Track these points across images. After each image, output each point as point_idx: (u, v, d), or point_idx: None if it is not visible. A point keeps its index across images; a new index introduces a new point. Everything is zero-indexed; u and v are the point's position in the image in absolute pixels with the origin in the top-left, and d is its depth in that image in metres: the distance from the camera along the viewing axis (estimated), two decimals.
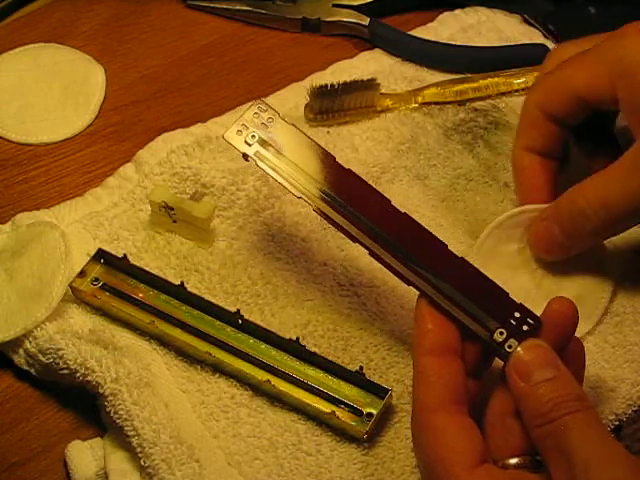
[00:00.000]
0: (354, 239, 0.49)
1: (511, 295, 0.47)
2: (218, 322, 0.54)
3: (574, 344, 0.47)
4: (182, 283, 0.54)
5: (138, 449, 0.49)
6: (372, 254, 0.49)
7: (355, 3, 0.70)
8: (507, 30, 0.69)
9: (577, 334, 0.46)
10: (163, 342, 0.53)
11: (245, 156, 0.51)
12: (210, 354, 0.52)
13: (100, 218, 0.58)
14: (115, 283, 0.55)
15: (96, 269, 0.55)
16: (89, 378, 0.52)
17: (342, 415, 0.50)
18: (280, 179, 0.50)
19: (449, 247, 0.48)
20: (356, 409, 0.51)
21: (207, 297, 0.54)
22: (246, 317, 0.53)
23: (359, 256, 0.57)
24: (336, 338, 0.54)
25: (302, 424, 0.51)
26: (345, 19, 0.70)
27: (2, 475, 0.52)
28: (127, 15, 0.71)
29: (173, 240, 0.57)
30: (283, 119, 0.51)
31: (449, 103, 0.63)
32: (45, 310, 0.53)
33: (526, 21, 0.70)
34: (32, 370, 0.54)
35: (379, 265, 0.56)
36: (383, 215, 0.49)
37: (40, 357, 0.53)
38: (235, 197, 0.58)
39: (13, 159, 0.64)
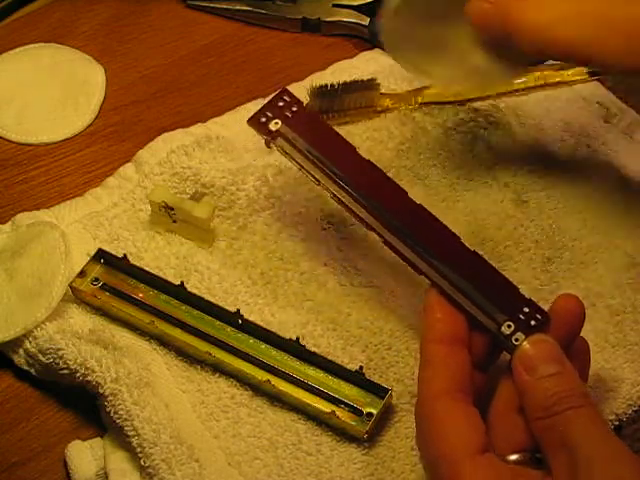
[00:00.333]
0: (369, 227, 0.50)
1: (521, 290, 0.47)
2: (218, 322, 0.54)
3: (580, 343, 0.47)
4: (182, 283, 0.54)
5: (138, 449, 0.49)
6: (386, 243, 0.50)
7: (355, 3, 0.70)
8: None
9: None
10: (163, 342, 0.53)
11: (267, 142, 0.52)
12: (210, 354, 0.52)
13: (100, 218, 0.58)
14: (115, 283, 0.55)
15: (96, 269, 0.55)
16: (89, 378, 0.52)
17: (342, 415, 0.50)
18: (301, 166, 0.52)
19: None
20: (356, 409, 0.51)
21: (207, 297, 0.54)
22: (246, 317, 0.53)
23: (359, 256, 0.57)
24: (336, 338, 0.54)
25: (302, 424, 0.51)
26: (345, 19, 0.70)
27: (2, 475, 0.52)
28: (127, 15, 0.71)
29: (173, 240, 0.57)
30: (306, 108, 0.52)
31: (449, 103, 0.63)
32: (45, 310, 0.53)
33: None
34: (32, 370, 0.54)
35: (379, 265, 0.56)
36: (399, 205, 0.50)
37: (40, 357, 0.53)
38: (235, 197, 0.58)
39: (13, 159, 0.64)
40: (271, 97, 0.54)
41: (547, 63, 0.66)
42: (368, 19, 0.69)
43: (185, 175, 0.58)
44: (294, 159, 0.52)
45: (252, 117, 0.53)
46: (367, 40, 0.69)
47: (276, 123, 0.53)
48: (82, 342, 0.52)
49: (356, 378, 0.51)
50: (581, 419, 0.42)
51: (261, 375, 0.52)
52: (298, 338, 0.52)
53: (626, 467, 0.41)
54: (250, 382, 0.52)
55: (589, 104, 0.65)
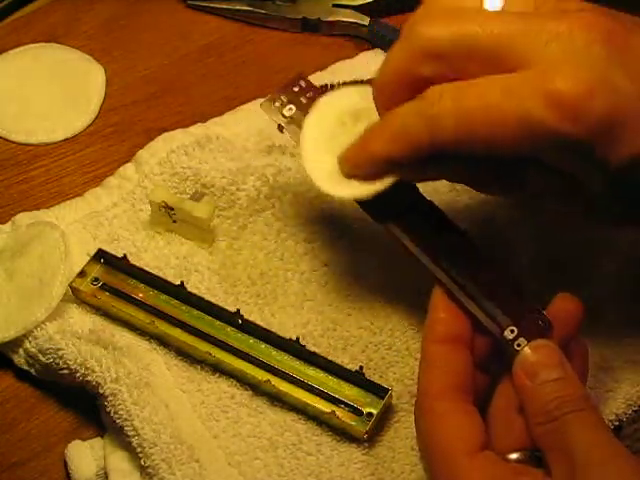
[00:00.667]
0: (378, 223, 0.50)
1: (525, 295, 0.47)
2: (218, 322, 0.54)
3: (579, 344, 0.47)
4: (182, 283, 0.54)
5: (138, 449, 0.50)
6: (393, 239, 0.49)
7: (355, 3, 0.70)
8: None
9: None
10: (163, 342, 0.53)
11: (280, 127, 0.52)
12: (210, 354, 0.52)
13: (100, 218, 0.58)
14: (115, 283, 0.55)
15: (96, 269, 0.55)
16: (89, 378, 0.52)
17: (342, 415, 0.50)
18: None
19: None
20: (356, 409, 0.51)
21: (207, 297, 0.54)
22: (246, 317, 0.53)
23: (359, 256, 0.57)
24: (336, 338, 0.54)
25: (302, 424, 0.51)
26: (345, 19, 0.70)
27: (2, 475, 0.52)
28: (127, 15, 0.71)
29: (173, 240, 0.57)
30: (322, 97, 0.51)
31: None
32: (45, 310, 0.53)
33: None
34: (32, 370, 0.54)
35: (379, 265, 0.56)
36: (407, 201, 0.49)
37: (40, 357, 0.53)
38: (235, 197, 0.58)
39: (13, 159, 0.64)
40: (287, 81, 0.53)
41: None
42: (368, 19, 0.69)
43: (185, 175, 0.58)
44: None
45: (265, 101, 0.53)
46: (367, 40, 0.69)
47: (290, 109, 0.52)
48: (82, 342, 0.52)
49: (356, 378, 0.51)
50: (581, 422, 0.42)
51: (261, 375, 0.52)
52: (298, 338, 0.52)
53: (625, 469, 0.41)
54: (250, 382, 0.52)
55: None
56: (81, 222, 0.58)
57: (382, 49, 0.68)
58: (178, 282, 0.54)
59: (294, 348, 0.52)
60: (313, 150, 0.48)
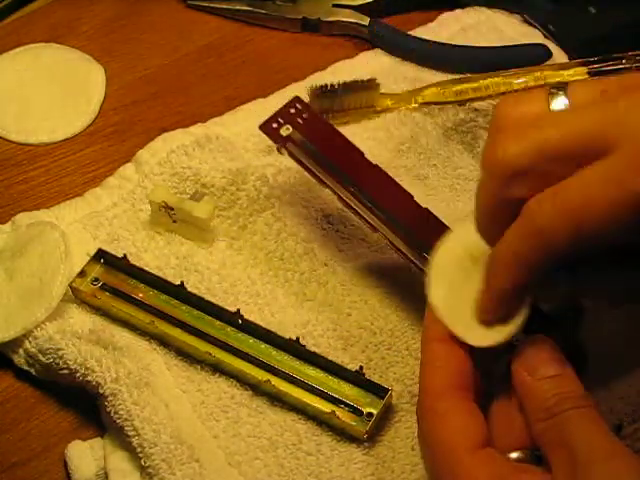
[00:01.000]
0: (375, 230, 0.51)
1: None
2: (218, 322, 0.54)
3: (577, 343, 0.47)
4: (182, 283, 0.54)
5: (138, 449, 0.49)
6: (393, 246, 0.51)
7: (355, 3, 0.70)
8: (507, 30, 0.70)
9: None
10: (163, 342, 0.53)
11: (279, 148, 0.54)
12: (210, 354, 0.52)
13: (100, 218, 0.58)
14: (115, 283, 0.55)
15: (96, 269, 0.55)
16: (89, 378, 0.52)
17: (342, 415, 0.50)
18: (311, 170, 0.53)
19: None
20: (356, 409, 0.51)
21: (207, 297, 0.54)
22: (246, 317, 0.53)
23: (359, 256, 0.57)
24: (336, 338, 0.54)
25: (302, 424, 0.51)
26: (345, 19, 0.70)
27: (2, 475, 0.52)
28: (127, 15, 0.71)
29: (173, 240, 0.57)
30: (317, 115, 0.54)
31: (449, 103, 0.63)
32: (45, 310, 0.53)
33: (526, 21, 0.70)
34: (32, 370, 0.54)
35: (379, 265, 0.56)
36: (405, 209, 0.51)
37: (40, 357, 0.53)
38: (235, 197, 0.58)
39: (13, 159, 0.64)
40: (284, 104, 0.55)
41: (547, 63, 0.67)
42: (368, 19, 0.69)
43: (185, 175, 0.58)
44: (305, 164, 0.54)
45: (264, 123, 0.55)
46: (367, 40, 0.69)
47: (287, 129, 0.54)
48: (82, 342, 0.52)
49: (356, 378, 0.51)
50: (581, 419, 0.42)
51: (261, 375, 0.52)
52: (298, 338, 0.52)
53: (625, 467, 0.41)
54: (250, 382, 0.52)
55: None
56: (81, 222, 0.58)
57: (382, 49, 0.68)
58: (178, 282, 0.54)
59: (294, 348, 0.52)
60: (444, 300, 0.46)
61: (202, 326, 0.53)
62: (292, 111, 0.55)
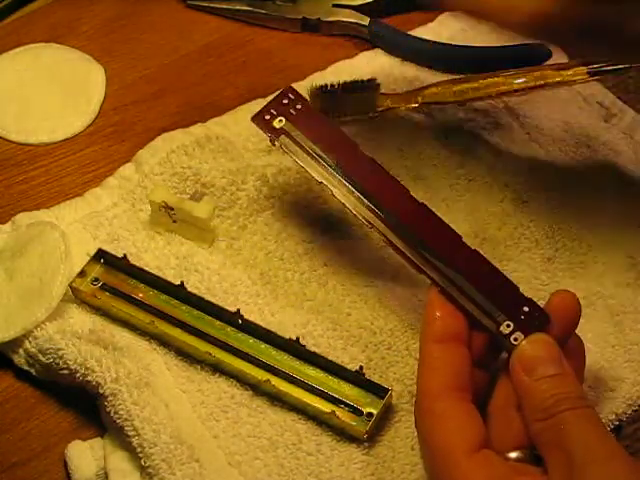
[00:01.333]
0: (371, 226, 0.50)
1: (521, 290, 0.47)
2: (218, 322, 0.54)
3: (575, 341, 0.47)
4: (182, 283, 0.54)
5: (138, 449, 0.49)
6: (387, 241, 0.50)
7: (355, 3, 0.70)
8: (507, 30, 0.69)
9: None
10: (163, 342, 0.53)
11: (272, 140, 0.53)
12: (210, 354, 0.52)
13: (100, 218, 0.58)
14: (115, 283, 0.55)
15: (96, 269, 0.55)
16: (89, 378, 0.52)
17: (342, 415, 0.50)
18: (303, 164, 0.52)
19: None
20: (356, 409, 0.51)
21: (207, 297, 0.54)
22: (246, 317, 0.53)
23: (359, 256, 0.57)
24: (336, 338, 0.54)
25: (302, 424, 0.51)
26: (345, 19, 0.70)
27: (2, 475, 0.52)
28: (127, 15, 0.71)
29: (173, 240, 0.57)
30: (311, 107, 0.53)
31: (449, 103, 0.63)
32: (45, 310, 0.53)
33: None
34: (32, 370, 0.54)
35: (379, 265, 0.56)
36: (401, 204, 0.50)
37: (40, 357, 0.53)
38: (235, 197, 0.58)
39: (13, 159, 0.64)
40: (276, 95, 0.54)
41: (547, 63, 0.67)
42: (368, 19, 0.69)
43: (185, 175, 0.58)
44: (297, 157, 0.52)
45: (256, 114, 0.54)
46: (367, 40, 0.69)
47: (280, 121, 0.53)
48: (82, 342, 0.52)
49: (356, 378, 0.51)
50: (578, 420, 0.42)
51: (261, 375, 0.52)
52: (298, 338, 0.52)
53: (621, 469, 0.41)
54: (250, 382, 0.52)
55: (589, 104, 0.65)
56: (81, 222, 0.58)
57: (382, 49, 0.68)
58: (178, 282, 0.54)
59: (294, 348, 0.52)
60: None
61: (202, 326, 0.53)
62: (285, 102, 0.54)
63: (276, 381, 0.51)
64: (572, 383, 0.44)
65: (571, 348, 0.46)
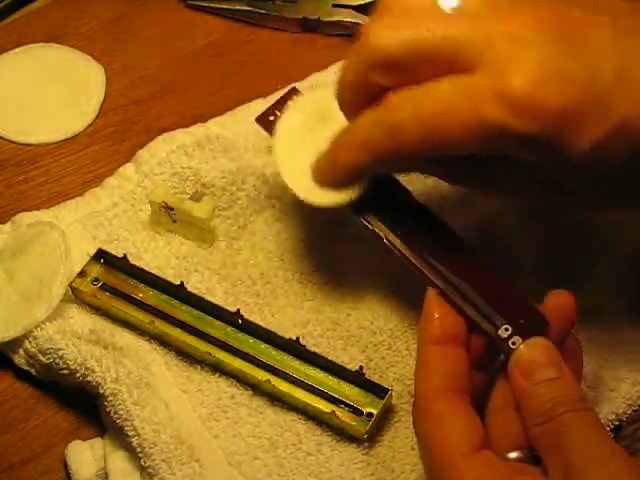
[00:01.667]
0: (370, 226, 0.50)
1: (522, 292, 0.47)
2: (218, 322, 0.54)
3: (572, 342, 0.47)
4: (182, 283, 0.54)
5: (138, 449, 0.49)
6: (387, 242, 0.49)
7: (355, 3, 0.70)
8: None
9: None
10: (163, 342, 0.53)
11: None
12: (210, 354, 0.52)
13: (100, 218, 0.58)
14: (115, 283, 0.55)
15: (96, 269, 0.55)
16: (89, 378, 0.52)
17: (342, 415, 0.50)
18: None
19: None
20: (356, 409, 0.51)
21: (207, 297, 0.54)
22: (246, 317, 0.53)
23: (359, 256, 0.57)
24: (336, 338, 0.54)
25: (302, 424, 0.51)
26: (345, 19, 0.70)
27: (2, 475, 0.52)
28: (127, 15, 0.71)
29: (173, 240, 0.57)
30: (291, 100, 0.53)
31: None
32: (45, 310, 0.53)
33: None
34: (32, 370, 0.54)
35: (379, 265, 0.56)
36: (399, 204, 0.50)
37: (40, 357, 0.53)
38: (235, 197, 0.58)
39: (13, 159, 0.64)
40: (280, 96, 0.54)
41: None
42: (368, 19, 0.69)
43: (185, 175, 0.58)
44: None
45: (260, 115, 0.54)
46: None
47: None
48: (82, 342, 0.52)
49: (356, 378, 0.51)
50: (578, 422, 0.42)
51: (261, 375, 0.52)
52: (298, 338, 0.52)
53: (621, 470, 0.41)
54: (250, 382, 0.52)
55: None
56: (81, 222, 0.58)
57: None
58: (178, 282, 0.54)
59: (294, 348, 0.52)
60: (286, 155, 0.49)
61: (202, 326, 0.53)
62: (288, 102, 0.54)
63: (276, 381, 0.51)
64: (571, 386, 0.44)
65: (569, 348, 0.46)
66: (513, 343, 0.45)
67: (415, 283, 0.54)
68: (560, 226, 0.58)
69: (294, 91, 0.54)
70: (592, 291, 0.55)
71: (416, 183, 0.60)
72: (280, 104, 0.54)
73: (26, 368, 0.54)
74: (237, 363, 0.52)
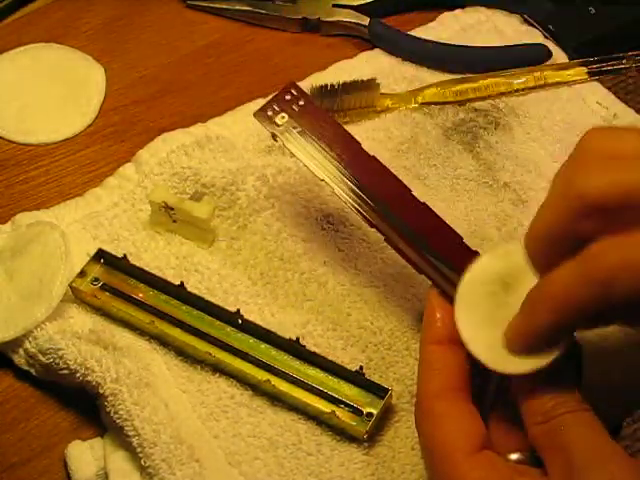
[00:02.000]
0: (371, 224, 0.50)
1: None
2: (218, 322, 0.54)
3: (574, 344, 0.46)
4: (182, 283, 0.54)
5: (138, 449, 0.49)
6: (387, 240, 0.50)
7: (355, 3, 0.70)
8: (507, 30, 0.70)
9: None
10: (163, 342, 0.53)
11: (274, 136, 0.52)
12: (210, 354, 0.52)
13: (100, 218, 0.58)
14: (115, 283, 0.55)
15: (96, 269, 0.55)
16: (89, 378, 0.52)
17: (342, 415, 0.50)
18: (305, 161, 0.52)
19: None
20: (356, 409, 0.51)
21: (207, 297, 0.54)
22: (246, 317, 0.53)
23: (359, 256, 0.57)
24: (336, 338, 0.54)
25: (302, 424, 0.51)
26: (345, 19, 0.70)
27: (2, 475, 0.52)
28: (127, 15, 0.71)
29: (173, 240, 0.57)
30: (314, 103, 0.52)
31: (449, 103, 0.64)
32: (45, 310, 0.53)
33: (526, 21, 0.70)
34: (32, 370, 0.54)
35: (379, 265, 0.56)
36: (402, 203, 0.50)
37: (40, 357, 0.53)
38: (235, 197, 0.58)
39: (13, 159, 0.64)
40: (279, 91, 0.54)
41: (547, 63, 0.67)
42: (368, 19, 0.69)
43: (185, 175, 0.58)
44: (298, 154, 0.52)
45: (259, 110, 0.53)
46: (367, 40, 0.69)
47: (282, 117, 0.53)
48: (82, 342, 0.52)
49: (356, 378, 0.51)
50: (577, 423, 0.42)
51: (261, 375, 0.52)
52: (298, 338, 0.52)
53: (621, 470, 0.41)
54: (250, 382, 0.52)
55: (589, 104, 0.65)
56: (81, 222, 0.58)
57: (382, 49, 0.68)
58: (178, 282, 0.54)
59: (294, 348, 0.52)
60: (469, 326, 0.45)
61: (202, 326, 0.53)
62: (287, 98, 0.53)
63: (276, 381, 0.51)
64: (571, 387, 0.44)
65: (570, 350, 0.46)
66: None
67: (415, 283, 0.54)
68: None
69: (292, 85, 0.54)
70: None
71: (418, 184, 0.60)
72: (277, 99, 0.54)
73: (26, 368, 0.54)
74: (237, 363, 0.52)
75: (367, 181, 0.51)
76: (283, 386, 0.51)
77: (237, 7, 0.71)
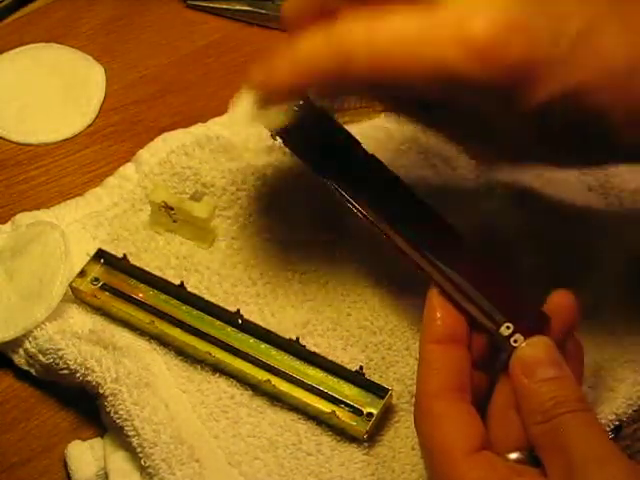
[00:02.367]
0: (372, 224, 0.50)
1: (522, 292, 0.47)
2: (218, 322, 0.54)
3: (573, 343, 0.47)
4: (182, 283, 0.54)
5: (138, 449, 0.49)
6: (388, 240, 0.49)
7: None
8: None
9: None
10: (163, 342, 0.54)
11: (273, 136, 0.52)
12: (210, 354, 0.52)
13: (100, 218, 0.58)
14: (115, 283, 0.55)
15: (96, 269, 0.55)
16: (89, 378, 0.52)
17: (342, 415, 0.50)
18: (305, 160, 0.52)
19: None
20: (356, 409, 0.51)
21: (207, 297, 0.54)
22: (246, 317, 0.53)
23: (359, 256, 0.57)
24: (336, 337, 0.54)
25: (302, 424, 0.51)
26: None
27: (2, 475, 0.52)
28: (127, 15, 0.71)
29: (173, 240, 0.57)
30: (313, 103, 0.52)
31: None
32: (45, 310, 0.53)
33: None
34: (32, 370, 0.54)
35: (379, 265, 0.56)
36: (402, 201, 0.50)
37: (40, 357, 0.53)
38: (235, 197, 0.58)
39: (13, 159, 0.64)
40: None
41: None
42: None
43: (185, 175, 0.58)
44: (298, 154, 0.52)
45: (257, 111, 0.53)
46: None
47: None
48: (82, 342, 0.52)
49: (356, 378, 0.51)
50: (577, 423, 0.42)
51: (261, 375, 0.52)
52: (298, 338, 0.52)
53: (620, 472, 0.41)
54: (250, 382, 0.52)
55: None
56: (81, 222, 0.58)
57: None
58: (178, 282, 0.54)
59: (294, 348, 0.52)
60: None
61: (202, 326, 0.53)
62: None
63: (276, 381, 0.51)
64: (571, 386, 0.44)
65: (570, 350, 0.46)
66: (515, 341, 0.45)
67: (416, 283, 0.54)
68: (560, 227, 0.58)
69: None
70: (591, 291, 0.55)
71: (418, 184, 0.60)
72: None
73: (26, 368, 0.54)
74: (237, 363, 0.52)
75: (366, 181, 0.51)
76: (283, 386, 0.51)
77: (237, 7, 0.71)
